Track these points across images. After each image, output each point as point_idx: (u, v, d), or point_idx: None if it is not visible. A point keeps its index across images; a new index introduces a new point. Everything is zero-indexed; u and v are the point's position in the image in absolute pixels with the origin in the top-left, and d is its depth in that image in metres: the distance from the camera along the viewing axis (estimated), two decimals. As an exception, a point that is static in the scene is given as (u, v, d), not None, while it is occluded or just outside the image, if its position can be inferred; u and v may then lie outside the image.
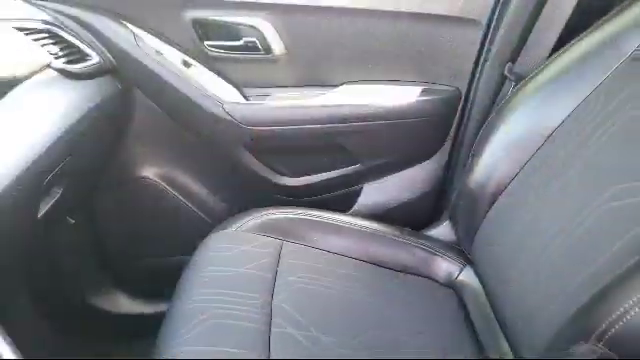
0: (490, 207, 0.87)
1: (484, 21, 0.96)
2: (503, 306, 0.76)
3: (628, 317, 0.47)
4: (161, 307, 1.18)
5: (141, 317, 1.21)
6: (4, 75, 0.73)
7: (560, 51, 0.84)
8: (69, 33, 0.94)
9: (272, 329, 0.72)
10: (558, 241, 0.67)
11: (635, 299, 0.47)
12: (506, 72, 0.95)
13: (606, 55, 0.77)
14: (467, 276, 0.93)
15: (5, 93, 0.73)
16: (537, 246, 0.71)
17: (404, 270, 0.94)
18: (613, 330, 0.49)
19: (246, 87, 1.06)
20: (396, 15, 0.98)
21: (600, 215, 0.63)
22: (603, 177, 0.66)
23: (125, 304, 1.22)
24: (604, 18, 0.80)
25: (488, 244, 0.85)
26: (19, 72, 0.77)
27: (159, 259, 1.19)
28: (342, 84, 1.06)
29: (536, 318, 0.65)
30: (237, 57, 1.03)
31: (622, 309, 0.48)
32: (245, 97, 1.06)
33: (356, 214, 1.14)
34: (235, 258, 0.85)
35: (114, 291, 1.22)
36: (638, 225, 0.57)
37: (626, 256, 0.54)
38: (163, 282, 0.96)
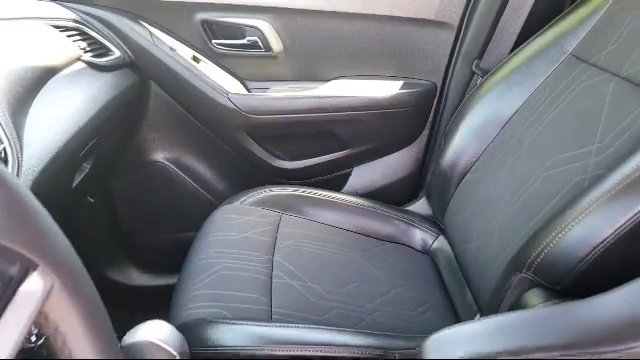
0: (459, 184, 1.01)
1: (455, 24, 1.11)
2: (466, 263, 0.91)
3: (548, 249, 0.62)
4: (172, 280, 1.31)
5: (154, 289, 1.33)
6: (46, 64, 0.86)
7: (517, 50, 0.99)
8: (95, 31, 1.07)
9: (273, 279, 0.86)
10: (509, 205, 0.82)
11: (554, 234, 0.62)
12: (474, 68, 1.09)
13: (552, 53, 0.92)
14: (440, 244, 1.07)
15: (46, 80, 0.86)
16: (493, 211, 0.85)
17: (386, 239, 1.08)
18: (538, 260, 0.63)
19: (248, 80, 1.21)
20: (380, 18, 1.13)
21: (542, 181, 0.78)
22: (545, 151, 0.81)
23: (139, 277, 1.34)
24: (552, 21, 0.95)
25: (456, 214, 0.99)
26: (56, 62, 0.90)
27: (169, 235, 1.32)
28: (333, 79, 1.20)
29: (490, 267, 0.79)
30: (241, 54, 1.18)
31: (544, 243, 0.62)
32: (247, 89, 1.20)
33: (346, 194, 1.28)
34: (240, 226, 0.99)
35: (128, 265, 1.34)
36: (568, 184, 0.71)
37: (557, 208, 0.69)
38: (173, 257, 1.08)
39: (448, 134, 1.05)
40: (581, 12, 0.93)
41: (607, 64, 0.80)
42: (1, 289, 0.26)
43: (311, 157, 1.26)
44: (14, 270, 0.27)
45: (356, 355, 0.70)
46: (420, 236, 1.09)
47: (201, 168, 1.28)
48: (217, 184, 1.30)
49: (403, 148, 1.26)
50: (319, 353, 0.70)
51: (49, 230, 0.30)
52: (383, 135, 1.24)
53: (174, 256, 1.07)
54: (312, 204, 1.10)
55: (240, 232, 0.97)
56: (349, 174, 1.30)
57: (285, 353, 0.69)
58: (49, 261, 0.29)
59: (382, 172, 1.27)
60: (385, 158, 1.27)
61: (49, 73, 0.85)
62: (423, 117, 1.22)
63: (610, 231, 0.58)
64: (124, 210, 1.29)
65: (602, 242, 0.58)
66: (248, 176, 1.28)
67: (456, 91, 1.15)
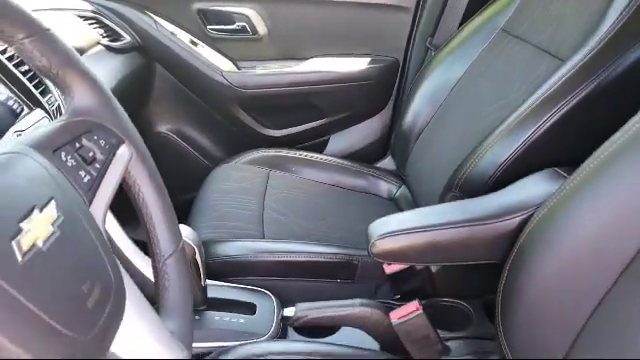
0: (416, 141, 1.22)
1: (412, 7, 1.32)
2: (420, 200, 1.12)
3: (468, 171, 0.84)
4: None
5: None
6: (76, 45, 1.06)
7: (461, 27, 1.20)
8: (109, 20, 1.27)
9: (264, 215, 1.07)
10: (451, 148, 1.03)
11: (472, 160, 0.83)
12: (428, 44, 1.31)
13: (487, 29, 1.13)
14: (403, 192, 1.29)
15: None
16: (439, 154, 1.07)
17: (359, 190, 1.29)
18: (462, 180, 0.85)
19: (239, 60, 1.41)
20: (349, 5, 1.34)
21: (473, 127, 0.99)
22: (477, 106, 1.02)
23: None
24: (489, 2, 1.16)
25: (413, 165, 1.20)
26: (83, 44, 1.10)
27: (173, 197, 1.52)
28: (311, 57, 1.41)
29: (434, 195, 1.01)
30: (231, 37, 1.38)
31: (466, 167, 0.84)
32: (238, 67, 1.41)
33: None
34: (236, 179, 1.20)
35: (137, 224, 1.54)
36: (489, 127, 0.93)
37: (478, 142, 0.90)
38: (178, 213, 1.28)
39: (406, 101, 1.26)
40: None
41: (525, 35, 1.01)
42: (109, 151, 0.47)
43: (294, 126, 1.47)
44: (114, 141, 0.48)
45: (328, 260, 0.92)
46: (386, 187, 1.31)
47: (199, 137, 1.49)
48: (213, 151, 1.51)
49: (373, 116, 1.48)
50: (300, 259, 0.91)
51: (128, 121, 0.51)
52: (355, 105, 1.45)
53: (179, 213, 1.27)
54: (296, 163, 1.31)
55: (236, 183, 1.18)
56: (327, 141, 1.51)
57: (273, 259, 0.91)
58: (130, 139, 0.50)
59: (355, 137, 1.49)
60: (357, 125, 1.49)
61: (79, 52, 1.04)
62: (388, 88, 1.44)
63: (510, 151, 0.80)
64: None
65: (503, 162, 0.80)
66: (240, 144, 1.48)
67: (414, 65, 1.36)
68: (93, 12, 1.24)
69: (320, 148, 1.50)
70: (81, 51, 1.08)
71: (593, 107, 0.76)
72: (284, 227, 1.04)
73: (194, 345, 0.56)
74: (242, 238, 0.96)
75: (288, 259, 0.91)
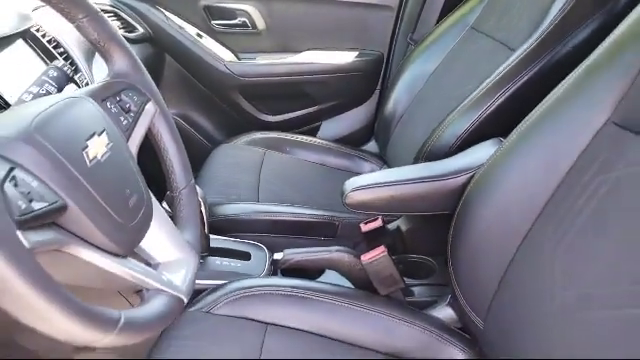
0: (396, 126, 1.38)
1: (395, 6, 1.48)
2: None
3: (433, 141, 0.99)
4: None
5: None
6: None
7: (437, 25, 1.35)
8: (125, 13, 1.42)
9: (259, 186, 1.22)
10: (423, 129, 1.18)
11: (437, 132, 0.99)
12: (408, 39, 1.46)
13: (460, 26, 1.28)
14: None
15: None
16: (413, 135, 1.22)
17: (344, 169, 1.44)
18: (428, 150, 1.00)
19: (240, 52, 1.57)
20: (339, 3, 1.49)
21: (444, 110, 1.13)
22: (449, 92, 1.17)
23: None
24: (462, 2, 1.31)
25: (392, 147, 1.35)
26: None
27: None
28: (304, 50, 1.56)
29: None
30: (233, 31, 1.54)
31: (432, 138, 0.99)
32: (239, 58, 1.56)
33: (316, 140, 1.64)
34: (235, 156, 1.35)
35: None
36: (456, 107, 1.08)
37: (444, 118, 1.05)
38: None
39: (388, 91, 1.41)
40: (481, -7, 1.29)
41: (489, 31, 1.16)
42: (140, 106, 0.62)
43: (288, 112, 1.63)
44: (143, 99, 0.63)
45: (312, 220, 1.07)
46: (369, 167, 1.46)
47: (202, 120, 1.64)
48: (215, 134, 1.66)
49: (360, 104, 1.63)
50: (288, 218, 1.07)
51: (153, 85, 0.66)
52: (344, 94, 1.60)
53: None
54: (290, 144, 1.46)
55: (236, 159, 1.33)
56: (319, 126, 1.66)
57: (266, 218, 1.06)
58: (155, 99, 0.65)
59: (344, 123, 1.64)
60: (346, 112, 1.64)
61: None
62: (374, 79, 1.59)
63: (467, 125, 0.95)
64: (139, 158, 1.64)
65: (460, 134, 0.96)
66: (239, 128, 1.63)
67: (397, 58, 1.52)
68: (111, 6, 1.39)
69: (312, 133, 1.65)
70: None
71: (534, 88, 0.91)
72: (276, 194, 1.19)
73: (198, 282, 0.72)
74: (239, 202, 1.11)
75: (278, 218, 1.07)
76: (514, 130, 0.76)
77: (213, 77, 1.54)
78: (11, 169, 0.40)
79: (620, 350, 0.53)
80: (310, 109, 1.62)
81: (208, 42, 1.54)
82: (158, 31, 1.48)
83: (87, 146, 0.48)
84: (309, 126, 1.66)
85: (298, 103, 1.61)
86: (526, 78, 0.92)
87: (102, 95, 0.57)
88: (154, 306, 0.49)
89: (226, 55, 1.55)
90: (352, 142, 1.58)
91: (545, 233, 0.66)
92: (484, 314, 0.73)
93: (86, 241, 0.46)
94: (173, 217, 0.66)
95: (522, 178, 0.72)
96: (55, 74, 0.64)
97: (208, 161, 1.33)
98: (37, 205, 0.40)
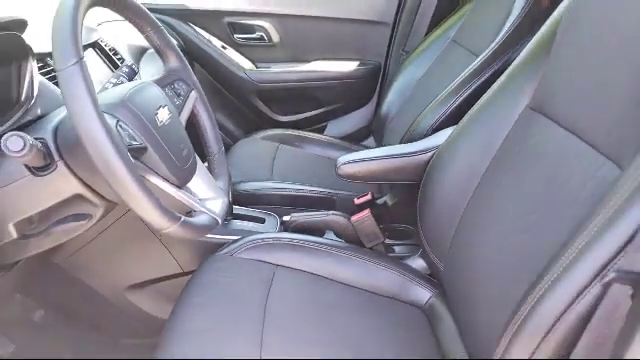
0: (389, 125, 1.61)
1: (391, 23, 1.73)
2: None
3: (412, 130, 1.22)
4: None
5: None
6: (142, 44, 1.48)
7: (424, 38, 1.60)
8: (162, 28, 1.70)
9: (273, 172, 1.47)
10: (407, 124, 1.42)
11: (415, 122, 1.22)
12: (401, 51, 1.71)
13: (442, 39, 1.52)
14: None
15: (144, 52, 1.48)
16: (400, 130, 1.46)
17: (346, 161, 1.68)
18: (408, 135, 1.24)
19: (258, 62, 1.83)
20: (343, 20, 1.75)
21: (426, 103, 1.38)
22: (431, 95, 1.41)
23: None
24: (446, 17, 1.55)
25: (386, 142, 1.59)
26: (145, 44, 1.52)
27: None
28: (313, 60, 1.82)
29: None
30: (253, 44, 1.80)
31: (411, 128, 1.23)
32: (257, 67, 1.83)
33: (322, 138, 1.89)
34: (253, 149, 1.60)
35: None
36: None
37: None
38: None
39: (384, 95, 1.66)
40: (463, 9, 1.52)
41: (465, 43, 1.40)
42: (187, 92, 0.88)
43: (298, 114, 1.88)
44: (189, 88, 0.89)
45: (314, 195, 1.31)
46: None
47: (224, 120, 1.90)
48: (234, 132, 1.92)
49: (361, 107, 1.89)
50: (295, 193, 1.31)
51: (196, 80, 0.92)
52: (346, 98, 1.86)
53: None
54: (299, 140, 1.71)
55: (252, 151, 1.58)
56: (325, 127, 1.91)
57: (276, 193, 1.31)
58: (197, 89, 0.91)
59: (347, 123, 1.89)
60: (349, 114, 1.89)
61: (145, 48, 1.47)
62: (373, 86, 1.85)
63: (437, 116, 1.19)
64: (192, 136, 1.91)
65: (433, 123, 1.19)
66: (256, 126, 1.89)
67: (393, 67, 1.76)
68: (151, 23, 1.66)
69: (320, 132, 1.90)
70: (143, 50, 1.50)
71: (489, 87, 1.15)
72: (286, 178, 1.43)
73: (223, 236, 0.96)
74: (256, 181, 1.36)
75: (286, 193, 1.31)
76: (464, 116, 0.99)
77: (235, 83, 1.81)
78: (118, 122, 0.65)
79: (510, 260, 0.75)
80: (317, 110, 1.88)
81: (231, 53, 1.81)
82: (189, 43, 1.75)
83: (157, 113, 0.74)
84: (317, 126, 1.91)
85: (307, 105, 1.87)
86: (483, 79, 1.16)
87: (162, 83, 0.83)
88: (200, 219, 0.73)
89: (246, 64, 1.82)
90: (354, 139, 1.83)
91: (483, 192, 0.89)
92: (444, 258, 0.95)
93: (156, 173, 0.71)
94: (210, 171, 0.91)
95: (468, 153, 0.94)
96: (126, 70, 0.91)
97: (230, 153, 1.58)
98: (132, 142, 0.65)
